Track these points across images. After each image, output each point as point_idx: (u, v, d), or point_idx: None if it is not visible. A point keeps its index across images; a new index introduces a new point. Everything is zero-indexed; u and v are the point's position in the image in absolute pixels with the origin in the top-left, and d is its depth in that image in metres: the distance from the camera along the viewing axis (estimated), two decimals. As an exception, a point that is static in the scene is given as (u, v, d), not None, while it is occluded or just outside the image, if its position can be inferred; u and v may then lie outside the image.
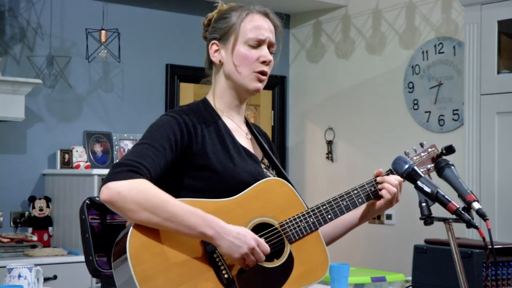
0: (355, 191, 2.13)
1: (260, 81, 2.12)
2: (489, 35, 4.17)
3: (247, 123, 2.24)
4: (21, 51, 4.77)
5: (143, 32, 5.27)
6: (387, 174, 2.16)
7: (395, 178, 2.13)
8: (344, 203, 2.10)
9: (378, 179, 2.15)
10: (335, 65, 5.68)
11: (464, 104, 4.33)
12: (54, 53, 4.88)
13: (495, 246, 1.96)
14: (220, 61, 2.13)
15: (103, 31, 4.80)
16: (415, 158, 2.20)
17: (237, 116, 2.18)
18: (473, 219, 1.86)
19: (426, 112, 5.06)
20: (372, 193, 2.14)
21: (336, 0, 5.56)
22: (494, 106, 4.14)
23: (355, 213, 2.21)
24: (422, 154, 2.22)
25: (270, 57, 2.12)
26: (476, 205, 1.86)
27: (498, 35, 4.17)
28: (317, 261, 2.04)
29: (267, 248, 1.93)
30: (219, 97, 2.15)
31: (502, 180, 4.10)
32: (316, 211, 2.06)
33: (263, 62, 2.10)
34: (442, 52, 4.97)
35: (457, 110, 4.88)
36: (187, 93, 5.43)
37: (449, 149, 2.17)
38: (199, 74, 2.28)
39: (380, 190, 2.14)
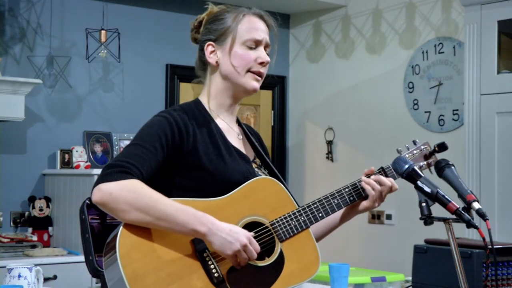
0: (347, 189, 2.14)
1: (257, 81, 2.13)
2: (489, 35, 4.17)
3: (239, 123, 2.25)
4: (21, 51, 4.77)
5: (143, 32, 5.27)
6: (378, 172, 2.16)
7: (379, 178, 2.13)
8: (335, 201, 2.11)
9: (363, 179, 2.15)
10: (335, 65, 5.68)
11: (464, 104, 4.33)
12: (54, 53, 4.88)
13: (495, 246, 1.96)
14: (216, 62, 2.14)
15: (103, 31, 4.81)
16: (407, 155, 2.20)
17: (230, 116, 2.18)
18: (473, 219, 1.86)
19: (426, 112, 5.06)
20: (364, 191, 2.14)
21: (336, 0, 5.57)
22: (494, 106, 4.14)
23: (336, 214, 2.20)
24: (415, 151, 2.22)
25: (268, 58, 2.14)
26: (476, 205, 1.86)
27: (498, 35, 4.17)
28: (308, 259, 2.04)
29: (257, 246, 1.94)
30: (213, 97, 2.16)
31: (502, 180, 4.10)
32: (307, 209, 2.07)
33: (261, 63, 2.12)
34: (442, 52, 4.97)
35: (457, 110, 4.88)
36: (187, 93, 5.43)
37: (442, 146, 2.16)
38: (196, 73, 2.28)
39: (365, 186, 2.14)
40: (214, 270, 1.92)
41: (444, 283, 2.47)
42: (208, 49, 2.15)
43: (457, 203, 1.89)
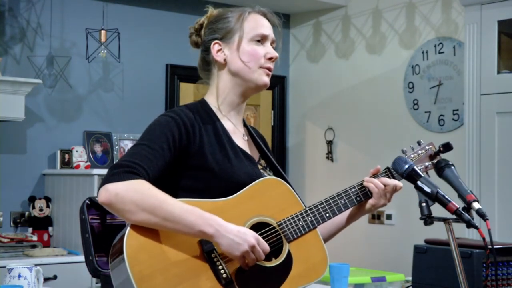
0: (353, 189, 2.14)
1: (268, 76, 2.14)
2: (489, 35, 4.17)
3: (245, 124, 2.24)
4: (21, 51, 4.77)
5: (143, 32, 5.27)
6: (384, 172, 2.17)
7: (381, 180, 2.13)
8: (342, 201, 2.11)
9: (366, 178, 2.15)
10: (335, 65, 5.68)
11: (464, 104, 4.33)
12: (54, 53, 4.88)
13: (495, 246, 1.96)
14: (224, 60, 2.13)
15: (103, 31, 4.81)
16: (412, 156, 2.20)
17: (236, 116, 2.18)
18: (473, 219, 1.86)
19: (426, 112, 5.06)
20: (370, 191, 2.14)
21: (336, 0, 5.57)
22: (494, 106, 4.14)
23: (343, 214, 2.19)
24: (420, 152, 2.21)
25: (276, 54, 2.14)
26: (476, 205, 1.86)
27: (498, 35, 4.17)
28: (316, 259, 2.03)
29: (266, 246, 1.93)
30: (220, 96, 2.15)
31: (502, 180, 4.10)
32: (314, 209, 2.07)
33: (270, 59, 2.13)
34: (442, 52, 4.97)
35: (457, 110, 4.88)
36: (187, 93, 5.43)
37: (447, 146, 2.16)
38: (199, 74, 2.28)
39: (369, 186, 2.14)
40: (222, 271, 1.91)
41: (444, 283, 2.47)
42: (215, 47, 2.14)
43: (457, 203, 1.89)
